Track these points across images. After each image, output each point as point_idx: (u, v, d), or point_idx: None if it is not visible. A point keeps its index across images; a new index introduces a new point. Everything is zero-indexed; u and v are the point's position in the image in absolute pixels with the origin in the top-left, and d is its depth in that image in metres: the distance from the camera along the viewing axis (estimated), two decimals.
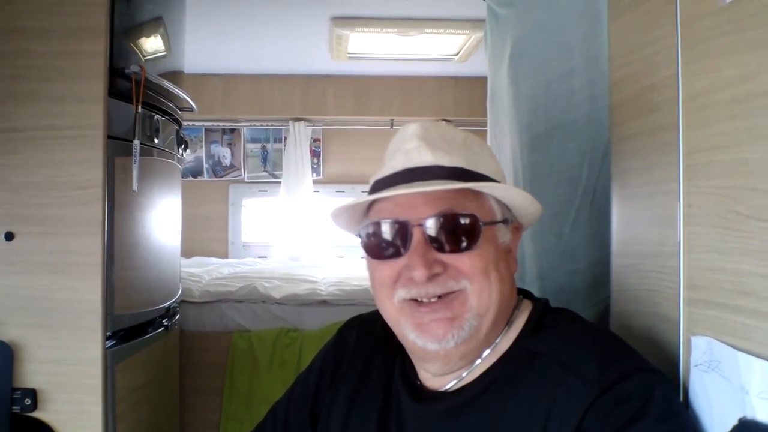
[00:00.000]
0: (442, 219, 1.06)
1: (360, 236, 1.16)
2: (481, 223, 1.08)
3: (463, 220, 1.07)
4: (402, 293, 1.10)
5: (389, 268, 1.11)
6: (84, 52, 1.80)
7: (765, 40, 0.87)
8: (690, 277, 1.06)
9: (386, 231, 1.10)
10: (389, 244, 1.10)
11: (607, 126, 1.40)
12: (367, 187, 1.21)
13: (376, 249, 1.13)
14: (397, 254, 1.09)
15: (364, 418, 1.22)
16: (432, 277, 1.06)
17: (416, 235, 1.07)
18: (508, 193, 1.14)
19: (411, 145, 1.12)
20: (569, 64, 1.86)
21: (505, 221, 1.15)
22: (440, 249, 1.07)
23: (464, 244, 1.07)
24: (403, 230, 1.08)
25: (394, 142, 1.19)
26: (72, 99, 1.79)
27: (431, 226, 1.06)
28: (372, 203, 1.16)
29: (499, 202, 1.14)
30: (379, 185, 1.14)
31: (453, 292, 1.08)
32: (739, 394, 0.89)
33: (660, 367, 1.02)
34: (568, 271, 1.85)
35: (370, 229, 1.13)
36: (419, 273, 1.05)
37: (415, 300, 1.09)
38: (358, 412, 1.24)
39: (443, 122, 1.17)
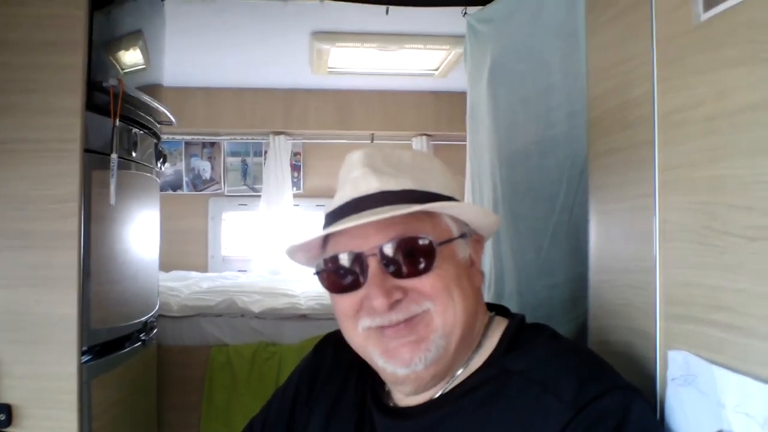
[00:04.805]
0: (395, 245, 1.05)
1: (318, 272, 1.15)
2: (435, 244, 1.06)
3: (416, 244, 1.06)
4: (366, 322, 1.09)
5: (350, 299, 1.10)
6: (62, 65, 1.79)
7: (740, 58, 0.89)
8: (666, 293, 1.06)
9: (343, 264, 1.10)
10: (348, 276, 1.10)
11: (585, 142, 1.41)
12: None
13: (336, 283, 1.12)
14: (356, 285, 1.08)
15: None
16: (393, 305, 1.05)
17: (372, 265, 1.06)
18: (459, 209, 1.13)
19: (357, 173, 1.11)
20: (548, 80, 1.87)
21: (463, 236, 1.14)
22: (398, 275, 1.06)
23: (421, 267, 1.06)
24: (359, 261, 1.07)
25: (342, 171, 1.18)
26: (50, 112, 1.77)
27: (385, 253, 1.05)
28: (327, 237, 1.15)
29: (454, 218, 1.14)
30: (331, 218, 1.13)
31: (417, 315, 1.07)
32: (716, 407, 0.90)
33: (637, 381, 1.03)
34: (546, 286, 1.86)
35: (328, 264, 1.12)
36: (379, 302, 1.04)
37: (381, 326, 1.09)
38: (334, 430, 1.23)
39: (389, 145, 1.16)
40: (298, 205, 5.59)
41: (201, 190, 5.74)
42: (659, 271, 1.08)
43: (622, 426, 0.92)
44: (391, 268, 1.06)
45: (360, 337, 1.12)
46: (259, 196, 5.59)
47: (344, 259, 1.09)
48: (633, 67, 1.18)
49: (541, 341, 1.13)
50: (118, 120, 1.97)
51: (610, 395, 0.95)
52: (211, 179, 5.75)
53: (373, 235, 1.06)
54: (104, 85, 1.93)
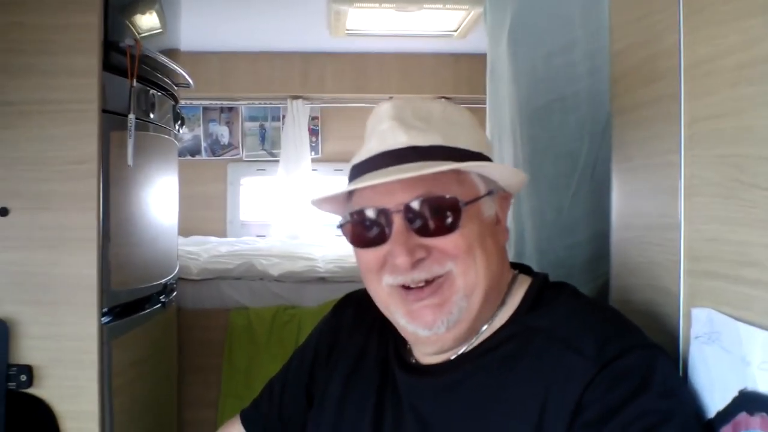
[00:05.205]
0: (420, 204, 1.04)
1: (342, 225, 1.14)
2: (461, 204, 1.05)
3: (442, 203, 1.05)
4: (389, 279, 1.09)
5: (374, 254, 1.10)
6: (78, 25, 1.77)
7: None
8: (691, 249, 1.04)
9: (367, 219, 1.09)
10: (371, 231, 1.09)
11: (608, 99, 1.38)
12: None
13: (360, 237, 1.11)
14: (380, 241, 1.08)
15: (363, 394, 1.21)
16: (415, 263, 1.05)
17: (397, 222, 1.05)
18: (487, 169, 1.12)
19: (385, 126, 1.10)
20: (569, 36, 1.84)
21: (490, 193, 1.12)
22: (422, 233, 1.05)
23: (446, 227, 1.04)
24: (383, 217, 1.06)
25: (370, 122, 1.16)
26: (66, 72, 1.76)
27: (411, 211, 1.04)
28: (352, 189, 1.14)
29: (482, 175, 1.12)
30: (357, 171, 1.12)
31: (440, 276, 1.06)
32: (740, 365, 0.88)
33: (660, 340, 1.02)
34: (567, 245, 1.85)
35: (353, 218, 1.11)
36: (401, 260, 1.04)
37: (403, 286, 1.08)
38: (355, 391, 1.23)
39: (419, 97, 1.15)
40: (316, 170, 5.58)
41: (219, 156, 5.74)
42: (684, 227, 1.06)
43: (646, 383, 0.92)
44: (416, 226, 1.05)
45: (383, 293, 1.12)
46: (278, 161, 5.58)
47: (369, 215, 1.08)
48: (658, 19, 1.15)
49: (564, 299, 1.12)
50: (135, 81, 1.96)
51: (633, 353, 0.95)
52: (230, 144, 5.74)
53: (399, 192, 1.05)
54: (121, 45, 1.91)
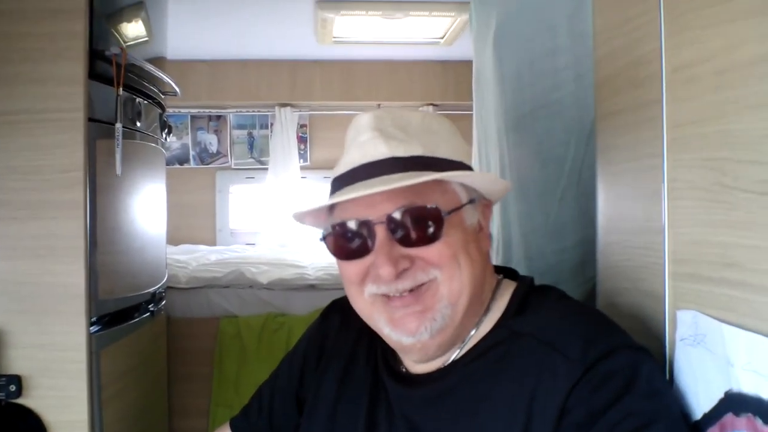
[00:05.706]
0: (403, 214, 1.04)
1: (325, 238, 1.14)
2: (443, 213, 1.05)
3: (425, 213, 1.05)
4: (372, 289, 1.09)
5: (357, 266, 1.10)
6: (64, 34, 1.77)
7: (749, 9, 0.87)
8: (675, 252, 1.05)
9: (350, 231, 1.09)
10: (355, 243, 1.09)
11: (593, 104, 1.39)
12: None
13: (342, 249, 1.11)
14: (363, 253, 1.08)
15: (354, 402, 1.21)
16: (400, 273, 1.05)
17: (380, 233, 1.05)
18: (469, 179, 1.12)
19: (365, 137, 1.09)
20: (554, 42, 1.85)
21: (472, 201, 1.12)
22: (405, 243, 1.05)
23: (429, 236, 1.05)
24: (366, 229, 1.06)
25: (350, 134, 1.16)
26: (52, 81, 1.76)
27: (393, 222, 1.05)
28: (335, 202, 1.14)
29: (463, 184, 1.13)
30: (338, 183, 1.12)
31: (423, 284, 1.07)
32: (725, 366, 0.89)
33: (646, 342, 1.02)
34: (555, 250, 1.85)
35: (335, 230, 1.11)
36: (385, 271, 1.04)
37: (386, 295, 1.08)
38: (347, 395, 1.23)
39: (398, 107, 1.16)
40: (305, 177, 5.57)
41: (208, 164, 5.73)
42: (668, 231, 1.07)
43: (630, 385, 0.92)
44: (399, 237, 1.05)
45: (365, 303, 1.12)
46: (266, 168, 5.58)
47: (352, 227, 1.08)
48: (640, 24, 1.16)
49: (549, 302, 1.13)
50: (121, 89, 1.95)
51: (618, 354, 0.95)
52: (218, 152, 5.73)
53: (381, 203, 1.05)
54: (107, 53, 1.91)
